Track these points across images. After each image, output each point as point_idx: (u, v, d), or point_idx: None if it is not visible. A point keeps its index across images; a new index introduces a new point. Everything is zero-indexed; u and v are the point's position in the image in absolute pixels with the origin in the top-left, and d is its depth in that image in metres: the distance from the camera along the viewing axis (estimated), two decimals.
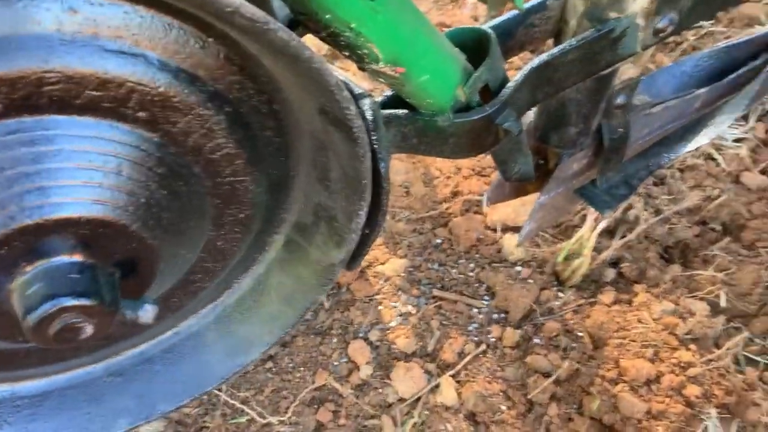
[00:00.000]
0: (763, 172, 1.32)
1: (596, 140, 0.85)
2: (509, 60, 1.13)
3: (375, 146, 0.60)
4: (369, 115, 0.60)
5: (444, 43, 0.61)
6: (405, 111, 0.65)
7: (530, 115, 0.90)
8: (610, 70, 0.71)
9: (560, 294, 1.19)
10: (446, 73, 0.60)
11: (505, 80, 0.66)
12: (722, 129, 0.92)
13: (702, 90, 0.89)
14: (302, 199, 0.65)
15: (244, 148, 0.54)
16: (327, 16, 0.46)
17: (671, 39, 1.54)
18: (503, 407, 1.06)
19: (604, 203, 0.87)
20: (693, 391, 1.01)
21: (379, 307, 1.18)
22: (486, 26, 0.66)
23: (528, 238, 0.92)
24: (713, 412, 0.98)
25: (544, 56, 0.66)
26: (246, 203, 0.59)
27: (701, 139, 0.93)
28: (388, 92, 0.66)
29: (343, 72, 0.65)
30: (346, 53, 0.53)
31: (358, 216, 0.61)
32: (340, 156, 0.58)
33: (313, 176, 0.64)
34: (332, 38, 0.50)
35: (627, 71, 0.77)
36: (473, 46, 0.65)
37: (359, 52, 0.51)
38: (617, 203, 0.87)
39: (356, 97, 0.62)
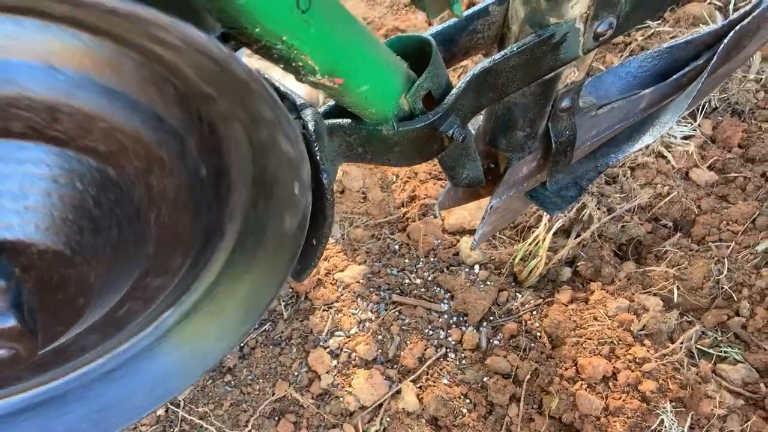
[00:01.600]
0: (710, 167, 1.35)
1: (544, 143, 0.86)
2: (460, 65, 1.14)
3: (317, 157, 0.60)
4: (311, 125, 0.60)
5: (384, 52, 0.61)
6: (349, 121, 0.65)
7: (479, 120, 0.91)
8: (553, 74, 0.72)
9: (518, 294, 1.20)
10: (387, 82, 0.60)
11: (448, 87, 0.66)
12: (667, 128, 0.94)
13: (647, 91, 0.91)
14: (243, 212, 0.64)
15: (179, 164, 0.52)
16: (257, 30, 0.45)
17: (619, 39, 1.57)
18: (464, 410, 1.07)
19: (554, 205, 0.88)
20: (648, 386, 1.03)
21: (339, 315, 1.18)
22: (427, 33, 0.66)
23: (482, 241, 0.92)
24: (669, 406, 1.00)
25: (486, 62, 0.66)
26: (185, 226, 0.58)
27: (647, 139, 0.95)
28: (332, 102, 0.66)
29: (285, 83, 0.64)
30: (281, 65, 0.52)
31: (295, 229, 0.60)
32: (279, 166, 0.57)
33: (254, 191, 0.63)
34: (265, 51, 0.49)
35: (571, 75, 0.78)
36: (415, 54, 0.65)
37: (294, 64, 0.51)
38: (567, 205, 0.88)
39: (298, 108, 0.61)
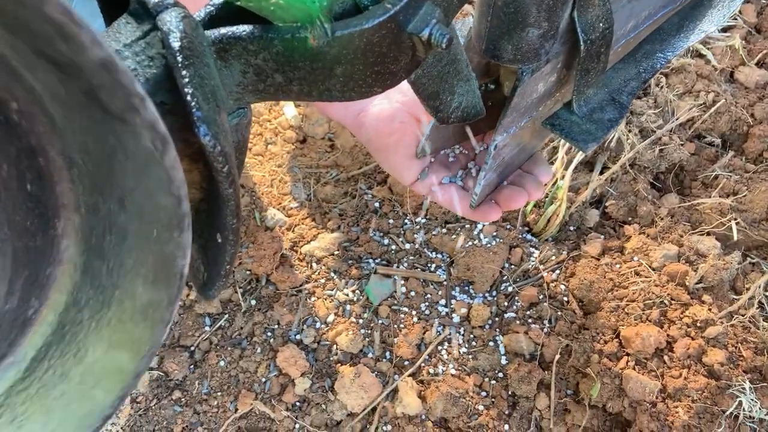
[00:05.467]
0: (759, 64, 1.08)
1: (567, 45, 0.59)
2: None
3: (188, 99, 0.33)
4: (175, 40, 0.33)
5: None
6: (248, 28, 0.38)
7: (468, 21, 0.63)
8: None
9: (535, 250, 0.95)
10: None
11: None
12: (735, 7, 0.66)
13: None
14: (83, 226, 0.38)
15: None
16: None
17: None
18: (480, 407, 0.83)
19: (587, 135, 0.62)
20: (716, 356, 0.79)
21: (312, 299, 0.93)
22: None
23: (484, 196, 0.67)
24: (746, 382, 0.76)
25: None
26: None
27: (706, 25, 0.68)
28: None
29: None
30: None
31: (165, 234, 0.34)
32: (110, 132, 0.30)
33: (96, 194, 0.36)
34: None
35: None
36: None
37: None
38: (605, 133, 0.62)
39: (151, 10, 0.35)
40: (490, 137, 0.71)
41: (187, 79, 0.33)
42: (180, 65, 0.33)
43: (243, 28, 0.38)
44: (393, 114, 0.69)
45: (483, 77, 0.63)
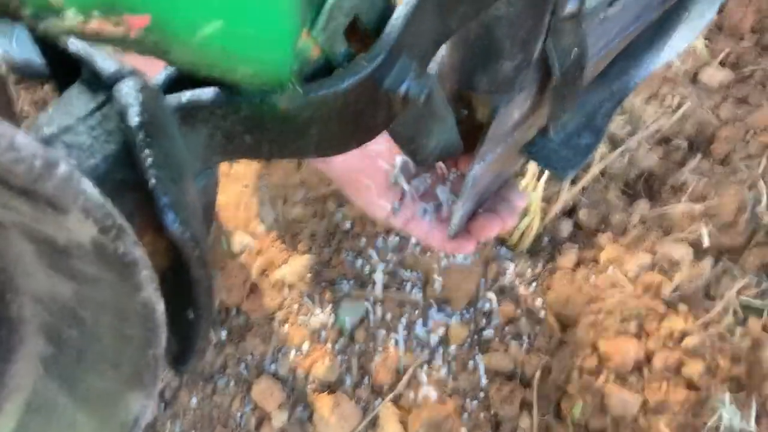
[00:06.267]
0: (722, 64, 1.09)
1: (540, 71, 0.57)
2: None
3: (151, 179, 0.30)
4: (134, 115, 0.30)
5: None
6: (213, 92, 0.34)
7: (442, 50, 0.61)
8: None
9: (510, 264, 0.93)
10: (262, 8, 0.29)
11: (387, 9, 0.36)
12: (707, 21, 0.66)
13: None
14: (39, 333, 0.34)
15: None
16: None
17: None
18: (464, 430, 0.82)
19: (565, 162, 0.60)
20: (694, 368, 0.80)
21: (285, 327, 0.90)
22: None
23: (462, 227, 0.65)
24: (726, 394, 0.77)
25: None
26: None
27: (679, 42, 0.67)
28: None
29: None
30: None
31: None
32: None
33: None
34: None
35: None
36: None
37: None
38: (583, 159, 0.60)
39: (107, 80, 0.31)
40: (463, 163, 0.69)
41: (150, 160, 0.30)
42: (141, 144, 0.30)
43: (207, 93, 0.34)
44: (362, 149, 0.66)
45: (456, 103, 0.61)
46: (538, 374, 0.84)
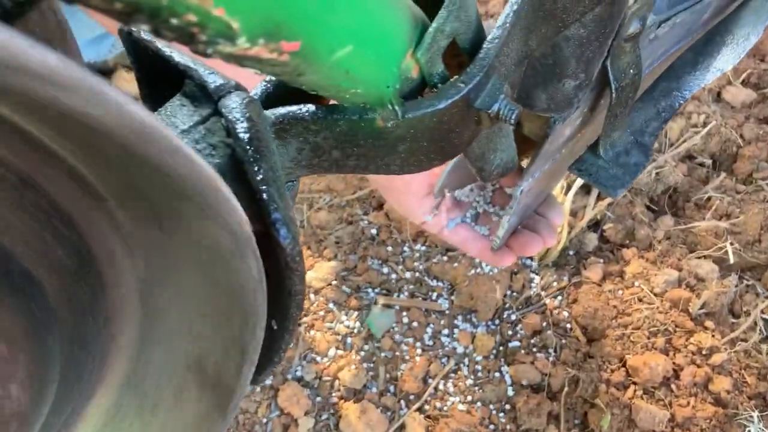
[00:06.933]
0: (744, 83, 1.10)
1: (596, 90, 0.58)
2: None
3: (262, 192, 0.30)
4: (242, 129, 0.30)
5: None
6: (311, 108, 0.35)
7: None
8: None
9: (536, 277, 0.94)
10: (383, 33, 0.29)
11: (480, 31, 0.37)
12: (751, 44, 0.66)
13: None
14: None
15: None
16: None
17: None
18: None
19: (615, 180, 0.61)
20: (722, 384, 0.80)
21: (311, 333, 0.90)
22: None
23: (506, 241, 0.65)
24: (755, 412, 0.78)
25: None
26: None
27: (721, 64, 0.68)
28: (270, 78, 0.35)
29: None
30: (158, 29, 0.21)
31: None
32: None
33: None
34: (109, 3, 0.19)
35: None
36: None
37: (187, 25, 0.20)
38: (632, 178, 0.61)
39: (214, 96, 0.31)
40: (508, 178, 0.70)
41: (261, 176, 0.30)
42: (252, 160, 0.30)
43: (306, 109, 0.35)
44: None
45: None
46: (564, 387, 0.84)
